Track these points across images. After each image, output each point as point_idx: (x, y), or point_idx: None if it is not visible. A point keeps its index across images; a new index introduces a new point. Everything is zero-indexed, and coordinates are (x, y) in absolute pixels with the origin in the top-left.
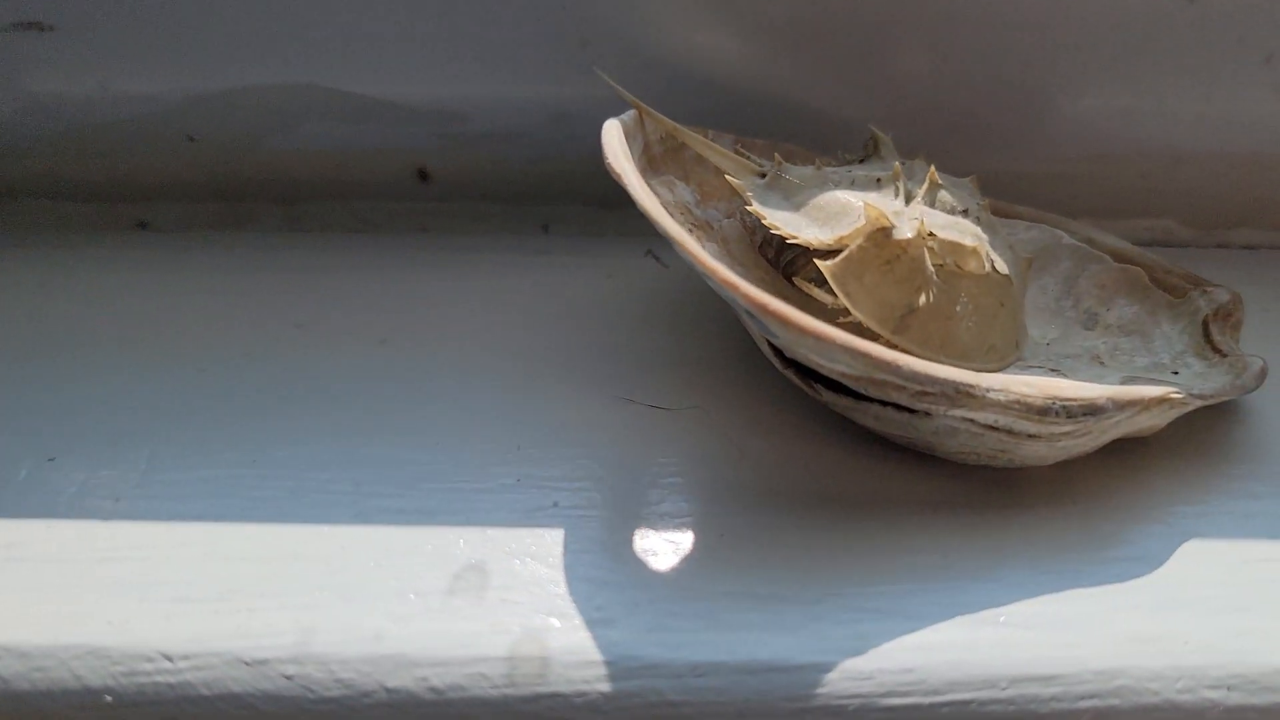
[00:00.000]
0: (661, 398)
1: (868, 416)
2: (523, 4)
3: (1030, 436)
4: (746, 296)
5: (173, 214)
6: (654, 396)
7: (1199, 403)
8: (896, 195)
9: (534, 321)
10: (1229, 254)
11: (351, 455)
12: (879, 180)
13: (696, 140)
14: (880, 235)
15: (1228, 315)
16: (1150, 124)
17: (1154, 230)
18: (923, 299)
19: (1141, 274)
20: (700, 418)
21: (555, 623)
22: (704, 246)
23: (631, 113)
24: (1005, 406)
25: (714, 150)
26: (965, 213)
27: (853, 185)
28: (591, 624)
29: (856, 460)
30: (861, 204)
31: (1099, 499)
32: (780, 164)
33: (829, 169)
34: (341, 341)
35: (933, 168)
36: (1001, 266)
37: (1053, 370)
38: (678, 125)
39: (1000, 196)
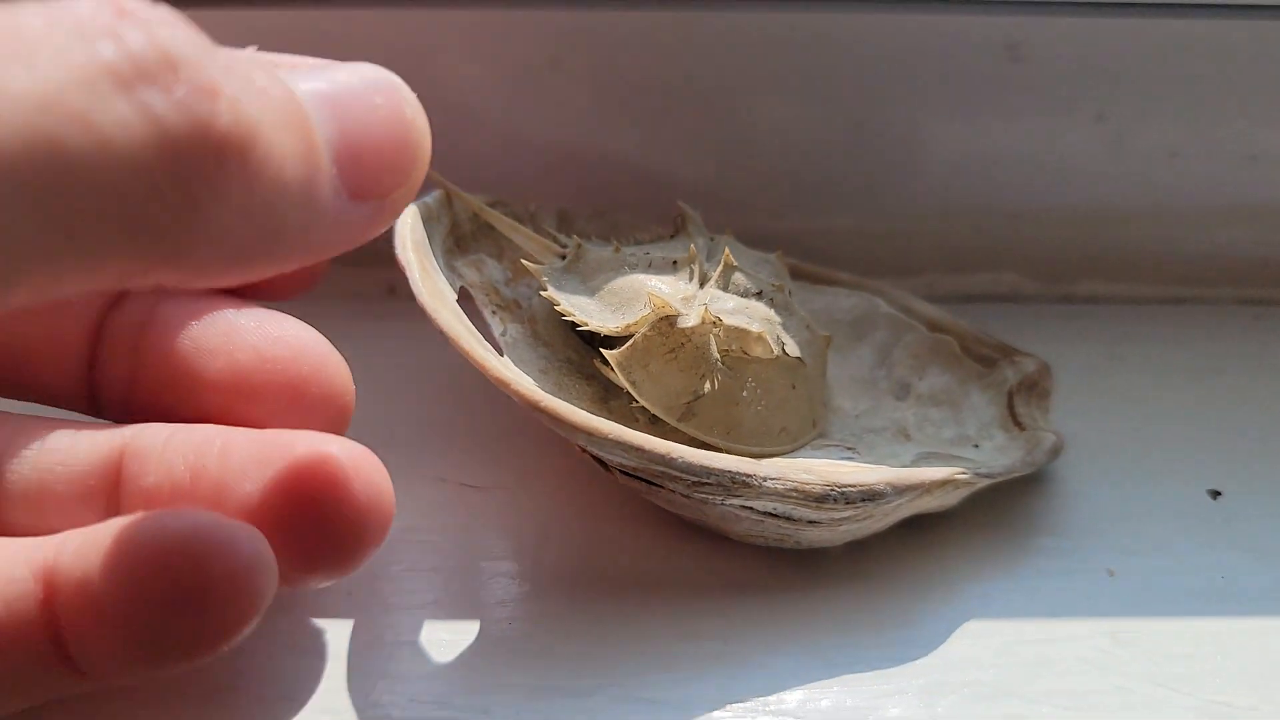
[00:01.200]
0: (476, 475)
1: (660, 499)
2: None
3: (810, 523)
4: (517, 394)
5: None
6: (469, 474)
7: (986, 482)
8: (691, 278)
9: (361, 393)
10: (1072, 308)
11: None
12: (675, 262)
13: (500, 220)
14: (665, 324)
15: (1032, 385)
16: (989, 181)
17: (998, 284)
18: (708, 385)
19: (953, 343)
20: (510, 498)
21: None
22: (505, 330)
23: (437, 193)
24: (783, 495)
25: (518, 231)
26: (760, 295)
27: (650, 268)
28: None
29: (656, 542)
30: (650, 288)
31: (891, 577)
32: (580, 245)
33: (628, 250)
34: None
35: (728, 251)
36: (793, 349)
37: (849, 449)
38: (483, 206)
39: (844, 255)
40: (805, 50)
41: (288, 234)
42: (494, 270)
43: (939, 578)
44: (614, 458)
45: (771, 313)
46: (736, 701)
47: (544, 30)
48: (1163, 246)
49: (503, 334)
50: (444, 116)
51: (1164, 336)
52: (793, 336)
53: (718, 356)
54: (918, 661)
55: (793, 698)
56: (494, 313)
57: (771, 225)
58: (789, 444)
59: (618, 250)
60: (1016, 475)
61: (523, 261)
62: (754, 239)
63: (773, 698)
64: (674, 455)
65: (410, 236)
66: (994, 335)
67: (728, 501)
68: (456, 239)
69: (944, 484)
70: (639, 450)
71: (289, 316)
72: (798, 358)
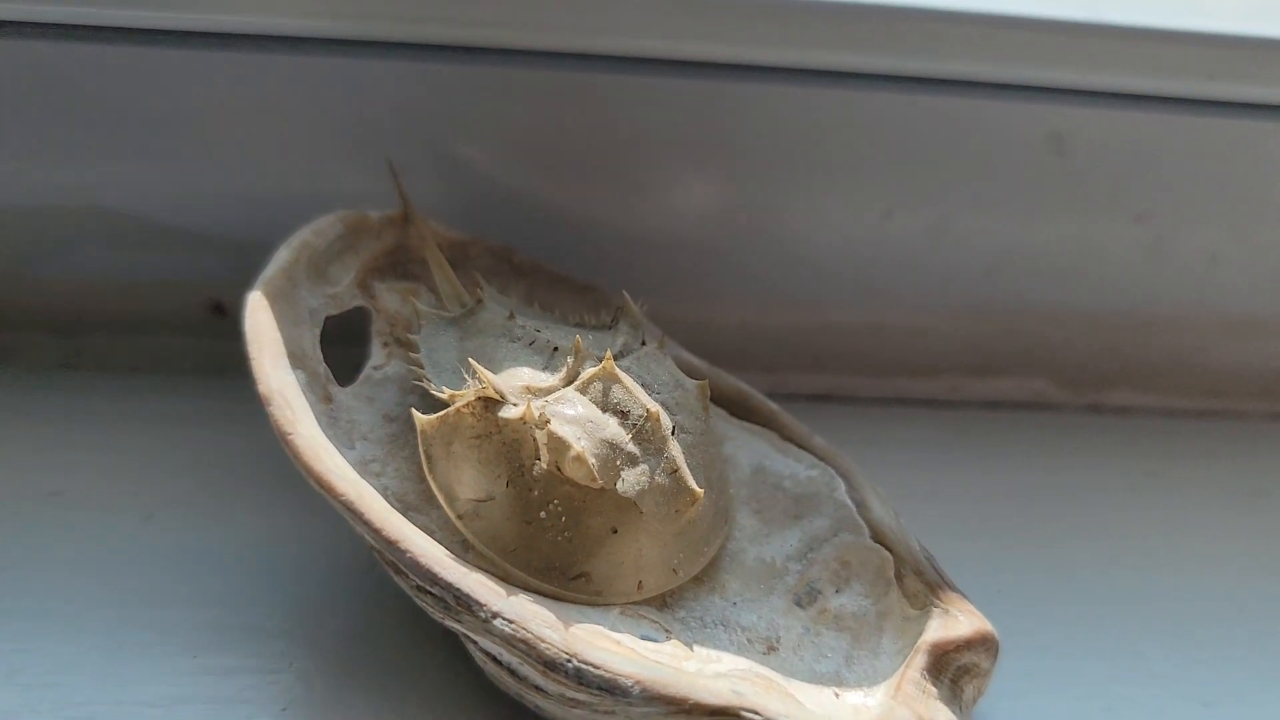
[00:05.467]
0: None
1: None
2: (327, 125)
3: (537, 689)
4: (277, 425)
5: None
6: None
7: None
8: (558, 371)
9: None
10: (1103, 420)
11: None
12: (557, 349)
13: (434, 256)
14: (484, 405)
15: (946, 653)
16: (1018, 280)
17: (1024, 390)
18: (504, 488)
19: (889, 563)
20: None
21: None
22: (384, 365)
23: (392, 211)
24: (509, 641)
25: (443, 271)
26: (625, 416)
27: (530, 346)
28: None
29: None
30: (508, 367)
31: None
32: (480, 302)
33: (521, 321)
34: (101, 515)
35: (609, 359)
36: (629, 488)
37: (665, 631)
38: (429, 235)
39: (861, 352)
40: (831, 131)
41: None
42: (427, 305)
43: None
44: (355, 527)
45: (626, 439)
46: None
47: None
48: (1197, 356)
49: (377, 367)
50: (417, 165)
51: (1200, 452)
52: (650, 478)
53: (530, 463)
54: None
55: None
56: (385, 345)
57: (783, 317)
58: (587, 593)
59: (511, 318)
60: None
61: (413, 301)
62: (766, 329)
63: None
64: (404, 545)
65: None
66: (944, 573)
67: (449, 623)
68: (398, 262)
69: (718, 715)
70: (366, 523)
71: None
72: (630, 500)
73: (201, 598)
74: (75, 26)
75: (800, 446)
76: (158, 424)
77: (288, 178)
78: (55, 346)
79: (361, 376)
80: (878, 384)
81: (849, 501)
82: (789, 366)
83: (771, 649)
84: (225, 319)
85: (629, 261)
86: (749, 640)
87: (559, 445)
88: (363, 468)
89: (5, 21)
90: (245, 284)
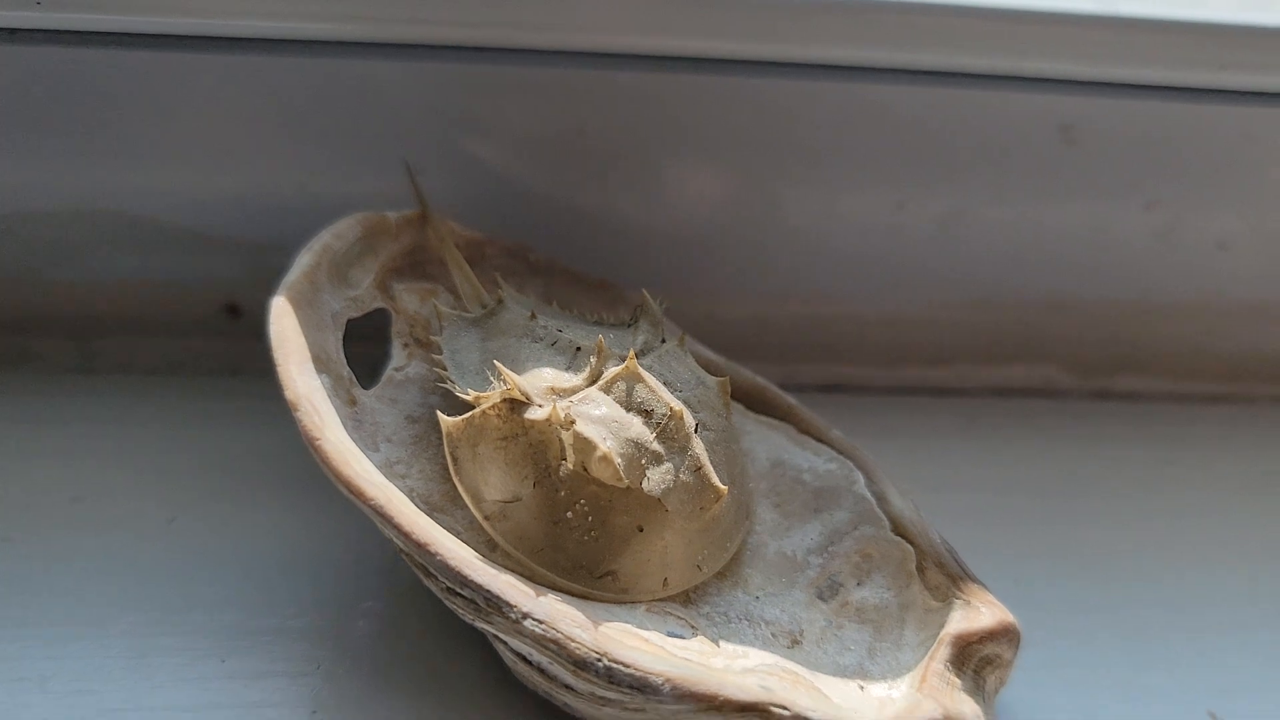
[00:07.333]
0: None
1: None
2: (339, 126)
3: (567, 688)
4: (305, 431)
5: None
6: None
7: None
8: (580, 371)
9: None
10: (1110, 405)
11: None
12: (579, 349)
13: (452, 255)
14: (509, 407)
15: (969, 644)
16: (1029, 268)
17: (1033, 377)
18: (531, 489)
19: (911, 556)
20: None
21: None
22: (405, 366)
23: (410, 211)
24: (539, 641)
25: (461, 270)
26: (649, 415)
27: (552, 346)
28: None
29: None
30: (531, 368)
31: None
32: (501, 302)
33: (543, 320)
34: (124, 520)
35: (631, 358)
36: (655, 486)
37: (691, 627)
38: (448, 235)
39: (871, 341)
40: (842, 124)
41: None
42: (445, 305)
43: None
44: (383, 530)
45: (650, 438)
46: None
47: None
48: (1207, 342)
49: (398, 369)
50: (432, 170)
51: (1212, 438)
52: (675, 476)
53: (556, 464)
54: None
55: None
56: (405, 345)
57: (794, 309)
58: (614, 591)
59: (532, 318)
60: None
61: (434, 303)
62: (777, 321)
63: None
64: (433, 547)
65: (299, 277)
66: (965, 565)
67: (479, 625)
68: (417, 263)
69: (749, 711)
70: (395, 527)
71: None
72: (656, 498)
73: (227, 600)
74: (88, 33)
75: (818, 440)
76: (176, 426)
77: (300, 179)
78: (71, 350)
79: (383, 378)
80: (888, 374)
81: (869, 495)
82: (800, 357)
83: (795, 642)
84: (240, 320)
85: (640, 256)
86: (773, 634)
87: (585, 446)
88: (388, 470)
89: (19, 29)
90: (259, 285)
